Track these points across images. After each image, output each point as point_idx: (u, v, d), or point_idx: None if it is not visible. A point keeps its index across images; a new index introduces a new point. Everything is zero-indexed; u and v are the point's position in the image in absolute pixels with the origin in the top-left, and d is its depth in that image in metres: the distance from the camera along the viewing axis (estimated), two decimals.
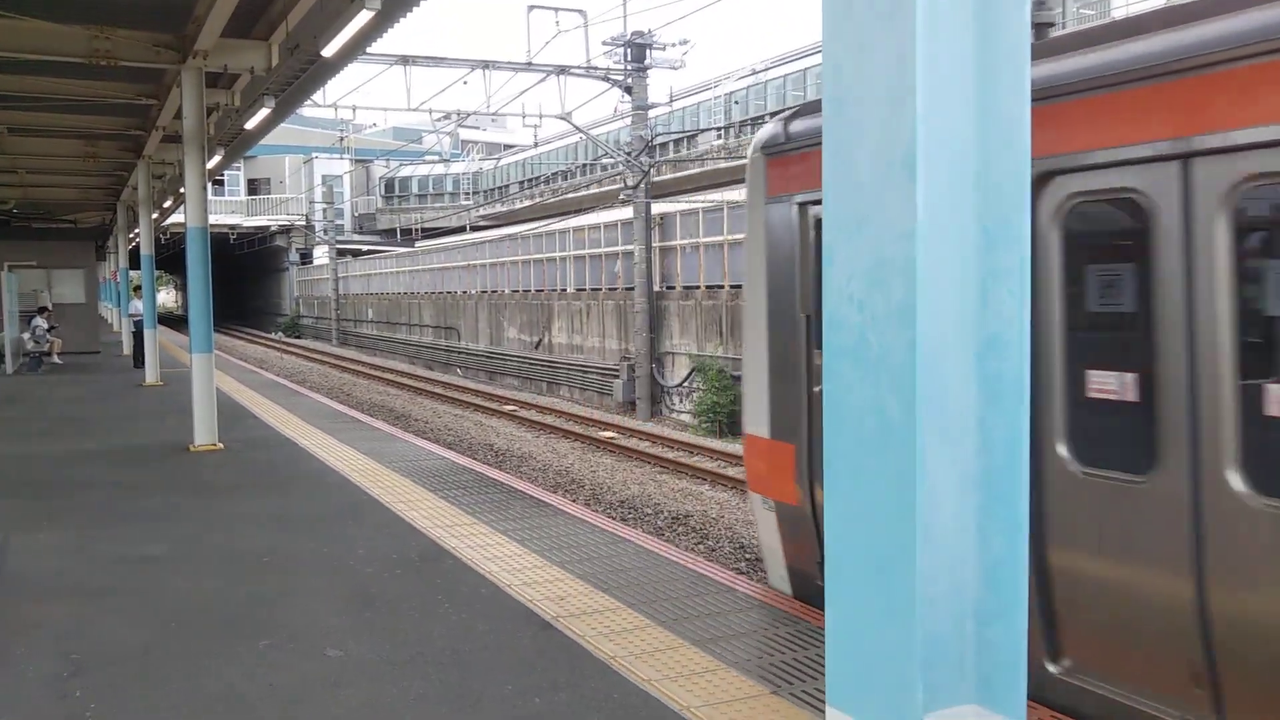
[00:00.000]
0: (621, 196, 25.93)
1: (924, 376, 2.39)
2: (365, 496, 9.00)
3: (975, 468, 2.51)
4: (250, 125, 17.33)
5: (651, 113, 27.70)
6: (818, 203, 5.02)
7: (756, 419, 6.10)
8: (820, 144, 4.27)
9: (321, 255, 58.64)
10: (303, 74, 14.46)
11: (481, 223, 49.75)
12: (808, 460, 5.60)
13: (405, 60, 24.82)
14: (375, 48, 14.75)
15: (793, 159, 5.73)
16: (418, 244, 49.39)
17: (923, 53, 2.31)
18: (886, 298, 2.44)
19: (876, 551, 2.47)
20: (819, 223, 5.03)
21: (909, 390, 2.41)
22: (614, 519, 10.94)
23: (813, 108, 5.73)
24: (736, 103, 35.57)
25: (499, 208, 50.06)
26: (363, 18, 9.99)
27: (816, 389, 5.13)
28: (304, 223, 59.70)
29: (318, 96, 26.44)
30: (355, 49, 12.51)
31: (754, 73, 35.03)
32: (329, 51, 11.44)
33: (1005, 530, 2.51)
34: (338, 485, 9.58)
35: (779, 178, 5.84)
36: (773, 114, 33.48)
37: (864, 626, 2.48)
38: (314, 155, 60.28)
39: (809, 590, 5.90)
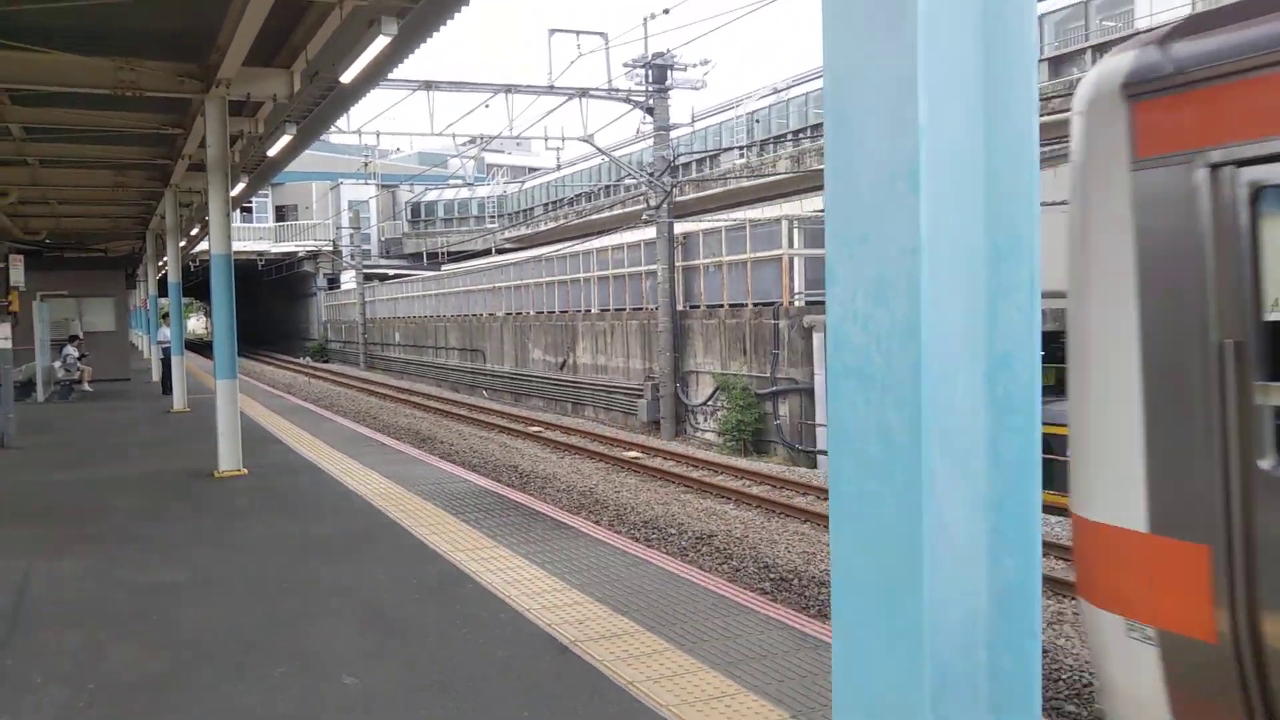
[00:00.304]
0: (645, 217, 25.95)
1: (930, 396, 2.34)
2: (387, 521, 8.99)
3: (986, 489, 2.46)
4: (273, 152, 17.51)
5: (673, 133, 27.76)
6: (1254, 161, 3.54)
7: (1116, 499, 3.99)
8: (1248, 69, 3.38)
9: (349, 280, 59.08)
10: (323, 100, 14.60)
11: (506, 245, 49.96)
12: (1244, 573, 3.59)
13: (428, 85, 24.98)
14: (398, 74, 14.88)
15: (1190, 98, 3.84)
16: (443, 267, 49.64)
17: (925, 63, 2.26)
18: (891, 315, 2.39)
19: (884, 577, 2.41)
20: (1257, 193, 3.58)
21: (914, 410, 2.36)
22: (637, 540, 10.90)
23: (1208, 20, 3.89)
24: (758, 121, 35.58)
25: (524, 230, 50.25)
26: (379, 44, 10.06)
27: (1265, 464, 3.47)
28: (331, 248, 60.21)
29: (342, 123, 26.75)
30: (374, 75, 12.62)
31: (775, 91, 35.04)
32: (347, 78, 11.53)
33: (1018, 553, 2.45)
34: (360, 510, 9.59)
35: (1163, 128, 3.92)
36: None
37: (871, 654, 2.42)
38: (340, 181, 60.83)
39: None
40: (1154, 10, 22.81)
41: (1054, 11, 25.39)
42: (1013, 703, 2.38)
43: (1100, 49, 24.65)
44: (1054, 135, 21.46)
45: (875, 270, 2.41)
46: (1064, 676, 8.15)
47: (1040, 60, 25.41)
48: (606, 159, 34.36)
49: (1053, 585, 10.31)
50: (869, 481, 2.47)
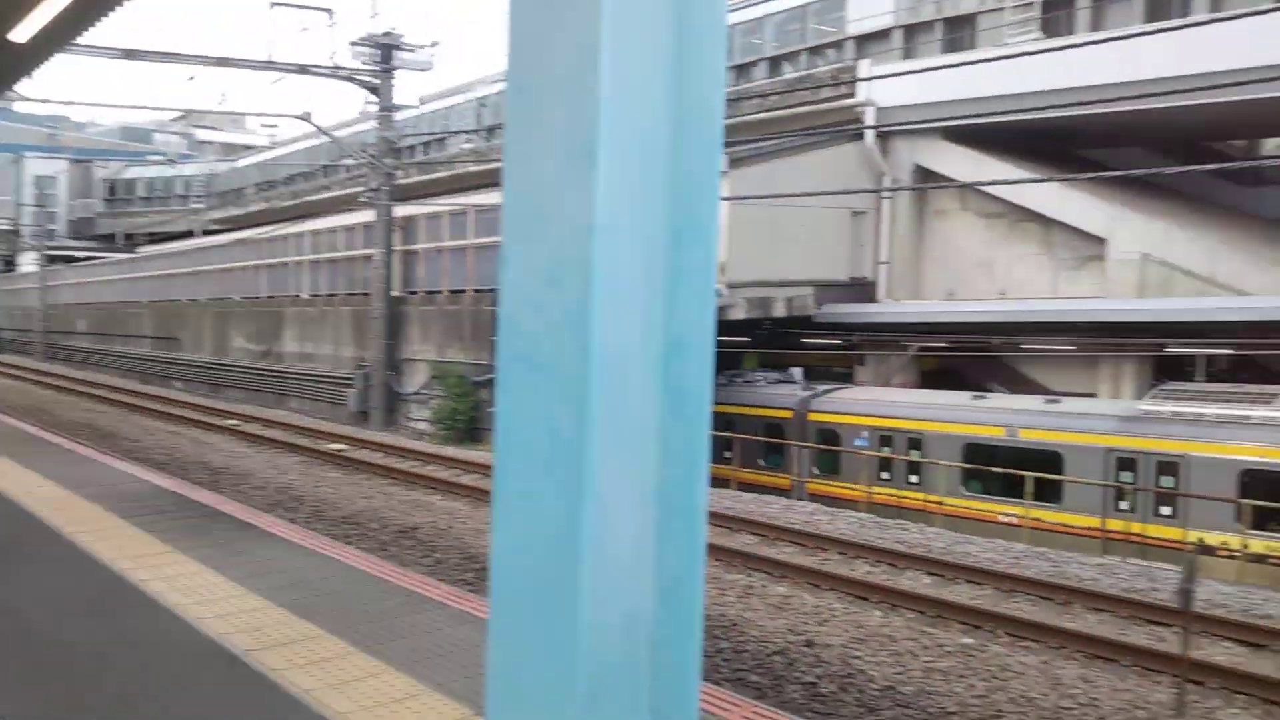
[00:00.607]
0: (362, 199, 24.96)
1: (601, 384, 2.20)
2: (44, 528, 8.04)
3: (654, 481, 2.35)
4: None
5: (400, 115, 26.84)
6: None
7: None
8: None
9: (30, 263, 53.55)
10: None
11: (214, 227, 46.91)
12: None
13: (130, 54, 22.75)
14: (95, 39, 13.39)
15: None
16: (141, 250, 45.96)
17: (609, 35, 2.12)
18: (563, 299, 2.24)
19: (542, 579, 2.24)
20: None
21: (582, 399, 2.21)
22: (334, 537, 10.33)
23: None
24: (485, 106, 35.20)
25: (233, 211, 47.35)
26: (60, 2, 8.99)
27: None
28: (10, 227, 54.31)
29: (29, 89, 23.93)
30: (58, 37, 11.23)
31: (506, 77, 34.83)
32: (21, 37, 10.25)
33: (682, 547, 2.36)
34: (12, 516, 8.53)
35: None
36: None
37: (526, 662, 2.25)
38: (23, 155, 55.02)
39: None
40: (863, 14, 24.55)
41: (774, 14, 26.62)
42: (672, 701, 2.30)
43: (815, 50, 26.13)
44: (767, 131, 22.57)
45: (550, 253, 2.24)
46: (749, 648, 8.47)
47: (760, 60, 26.74)
48: (327, 138, 32.87)
49: (744, 560, 10.84)
50: (533, 478, 2.29)
